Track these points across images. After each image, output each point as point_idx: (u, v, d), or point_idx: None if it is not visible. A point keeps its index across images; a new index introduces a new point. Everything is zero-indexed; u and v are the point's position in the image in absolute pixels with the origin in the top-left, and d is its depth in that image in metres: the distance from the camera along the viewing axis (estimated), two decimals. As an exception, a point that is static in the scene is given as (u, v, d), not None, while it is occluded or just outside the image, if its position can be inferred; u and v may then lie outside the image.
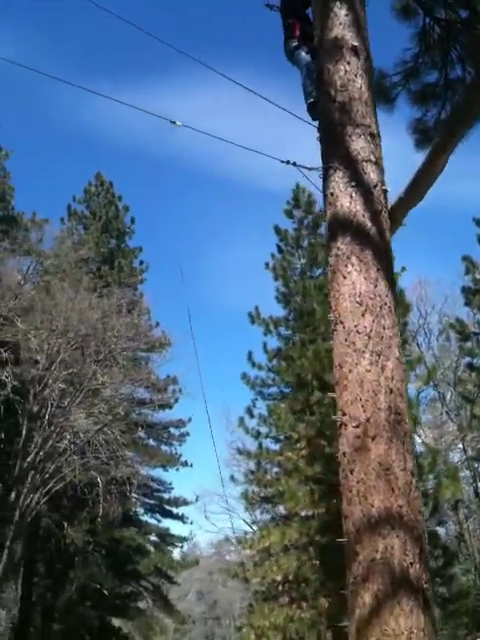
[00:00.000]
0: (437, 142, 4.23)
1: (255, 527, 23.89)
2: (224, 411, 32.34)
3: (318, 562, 13.23)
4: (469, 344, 19.51)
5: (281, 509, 19.29)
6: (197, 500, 29.16)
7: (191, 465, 27.27)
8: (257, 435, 18.71)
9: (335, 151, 4.64)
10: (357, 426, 3.97)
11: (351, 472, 3.94)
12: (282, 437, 18.21)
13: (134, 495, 26.52)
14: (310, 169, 4.78)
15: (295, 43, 5.54)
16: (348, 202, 4.44)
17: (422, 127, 7.07)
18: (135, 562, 24.83)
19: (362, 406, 3.99)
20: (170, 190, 73.96)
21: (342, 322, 4.23)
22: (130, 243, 29.21)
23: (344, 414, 4.09)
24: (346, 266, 4.31)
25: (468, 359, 19.65)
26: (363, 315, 4.16)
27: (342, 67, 4.79)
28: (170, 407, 27.13)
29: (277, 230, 19.68)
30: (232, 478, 19.63)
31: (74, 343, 19.08)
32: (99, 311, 20.20)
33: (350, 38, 4.88)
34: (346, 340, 4.18)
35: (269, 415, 17.60)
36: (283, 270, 18.77)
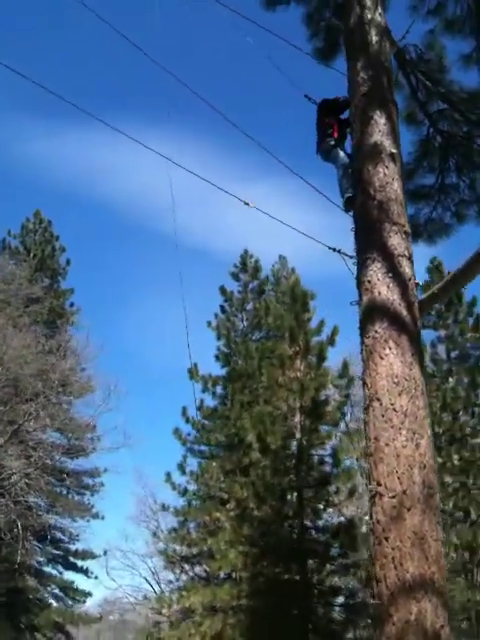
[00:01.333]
0: (477, 253, 4.82)
1: (168, 587, 23.43)
2: (136, 466, 31.88)
3: (247, 625, 13.23)
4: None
5: (199, 570, 19.21)
6: (105, 554, 28.30)
7: (102, 517, 26.59)
8: (184, 492, 18.67)
9: (373, 244, 5.17)
10: (393, 497, 4.36)
11: (386, 539, 4.30)
12: (209, 496, 18.27)
13: (37, 544, 25.57)
14: (351, 257, 5.27)
15: (333, 142, 6.12)
16: (386, 291, 4.95)
17: (412, 223, 7.81)
18: (34, 614, 23.73)
19: (398, 479, 4.39)
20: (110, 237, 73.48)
21: (379, 399, 4.67)
22: (63, 284, 28.94)
23: (379, 485, 4.47)
24: (384, 348, 4.78)
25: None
26: (400, 395, 4.62)
27: (381, 170, 5.39)
28: (86, 455, 26.53)
29: (223, 291, 20.22)
30: (154, 534, 19.36)
31: (5, 380, 18.63)
32: (32, 350, 19.87)
33: (388, 145, 5.51)
34: (383, 416, 4.60)
35: (201, 473, 17.65)
36: (226, 330, 19.22)
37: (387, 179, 5.36)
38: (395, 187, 5.36)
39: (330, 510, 15.43)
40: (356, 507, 18.70)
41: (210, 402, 19.62)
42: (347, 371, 15.83)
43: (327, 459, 15.03)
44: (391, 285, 4.97)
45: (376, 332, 4.87)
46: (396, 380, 4.67)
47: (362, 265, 5.18)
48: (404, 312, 4.91)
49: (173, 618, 17.17)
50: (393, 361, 4.73)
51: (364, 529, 14.08)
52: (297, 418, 15.35)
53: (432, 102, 7.32)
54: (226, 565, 14.95)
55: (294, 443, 15.19)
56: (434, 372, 20.64)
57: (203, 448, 19.43)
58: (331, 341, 15.95)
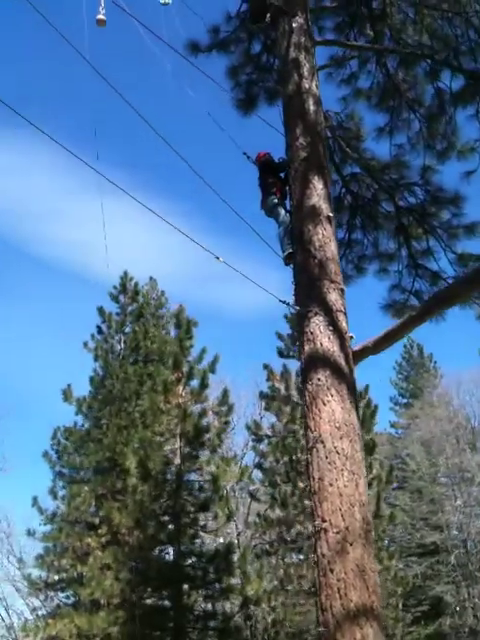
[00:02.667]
0: (413, 316, 5.49)
1: (26, 616, 22.42)
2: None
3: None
4: (261, 446, 21.45)
5: (62, 596, 18.68)
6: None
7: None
8: (52, 517, 18.15)
9: (314, 299, 5.69)
10: (338, 532, 4.83)
11: (331, 571, 4.76)
12: (78, 521, 17.89)
13: None
14: (296, 309, 5.74)
15: (276, 201, 6.60)
16: (327, 342, 5.48)
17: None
18: None
19: (342, 516, 4.88)
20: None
21: (323, 442, 5.15)
22: None
23: (324, 521, 4.93)
24: (326, 396, 5.28)
25: (259, 459, 21.42)
26: (341, 438, 5.14)
27: (320, 231, 5.96)
28: None
29: (100, 311, 20.05)
30: (20, 560, 18.57)
31: None
32: None
33: (325, 209, 6.10)
34: (327, 458, 5.09)
35: (72, 497, 17.27)
36: (104, 352, 19.07)
37: (325, 239, 5.93)
38: (332, 247, 5.95)
39: (207, 535, 15.75)
40: (233, 531, 19.19)
41: (83, 425, 19.29)
42: (227, 399, 16.34)
43: (205, 485, 15.38)
44: (331, 337, 5.50)
45: (319, 380, 5.36)
46: (337, 425, 5.18)
47: (304, 317, 5.67)
48: (343, 363, 5.46)
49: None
50: (335, 408, 5.24)
51: (238, 554, 14.57)
52: (177, 444, 15.59)
53: (346, 165, 8.07)
54: (100, 591, 14.72)
55: (173, 469, 15.41)
56: (298, 400, 21.81)
57: (73, 472, 19.00)
58: (212, 368, 16.42)
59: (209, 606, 14.45)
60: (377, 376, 46.94)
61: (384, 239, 8.02)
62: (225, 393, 16.34)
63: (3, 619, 28.62)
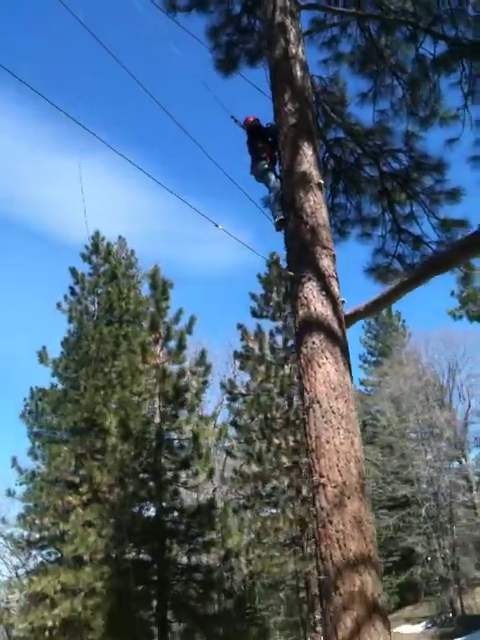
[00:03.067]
0: (406, 281, 5.69)
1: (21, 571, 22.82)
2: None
3: (110, 606, 13.56)
4: (236, 404, 21.84)
5: (45, 554, 19.03)
6: None
7: None
8: (32, 477, 18.35)
9: (307, 265, 5.85)
10: (335, 487, 5.11)
11: (330, 523, 5.05)
12: (57, 480, 18.09)
13: None
14: (290, 274, 5.90)
15: (266, 166, 6.68)
16: (320, 307, 5.67)
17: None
18: None
19: (339, 471, 5.15)
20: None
21: (319, 402, 5.38)
22: None
23: (322, 476, 5.19)
24: (321, 358, 5.50)
25: (234, 417, 21.82)
26: (336, 399, 5.38)
27: (311, 197, 6.09)
28: None
29: (73, 272, 19.92)
30: (2, 520, 18.80)
31: None
32: None
33: (316, 175, 6.22)
34: (323, 417, 5.33)
35: (52, 457, 17.44)
36: (79, 313, 19.03)
37: (316, 206, 6.07)
38: (323, 214, 6.09)
39: (186, 491, 16.13)
40: (209, 487, 19.63)
41: (58, 386, 19.38)
42: (204, 359, 16.56)
43: (185, 443, 15.71)
44: (325, 302, 5.70)
45: (313, 343, 5.57)
46: (333, 386, 5.42)
47: (298, 283, 5.84)
48: (336, 326, 5.67)
49: (21, 603, 16.91)
50: (329, 369, 5.47)
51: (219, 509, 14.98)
52: (156, 403, 15.82)
53: (329, 129, 8.15)
54: (83, 547, 15.05)
55: (152, 428, 15.66)
56: (272, 359, 22.18)
57: (51, 433, 19.16)
58: (189, 329, 16.57)
59: (193, 560, 14.87)
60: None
61: (367, 203, 8.18)
62: (203, 354, 16.58)
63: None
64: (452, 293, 28.51)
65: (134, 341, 17.15)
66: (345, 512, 5.03)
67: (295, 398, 21.54)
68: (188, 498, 17.21)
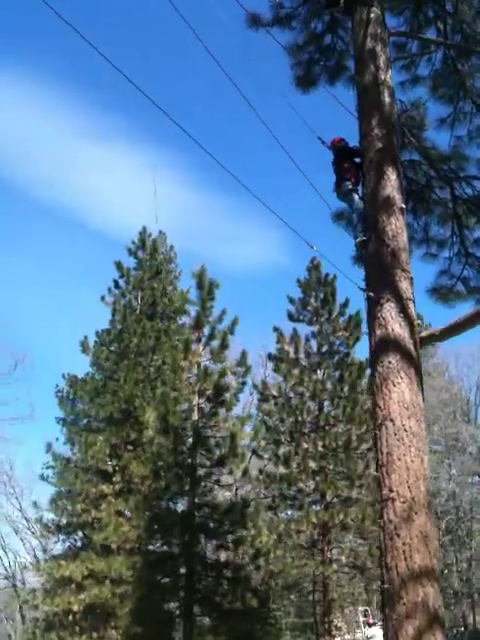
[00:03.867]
0: None
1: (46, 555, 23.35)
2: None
3: (138, 595, 13.92)
4: (266, 405, 22.14)
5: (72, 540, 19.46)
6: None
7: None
8: (66, 463, 18.81)
9: (387, 286, 6.12)
10: (404, 502, 5.37)
11: (397, 536, 5.31)
12: (90, 468, 18.51)
13: None
14: (370, 295, 6.16)
15: (350, 186, 6.93)
16: (398, 328, 5.93)
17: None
18: None
19: (408, 487, 5.42)
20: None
21: (392, 420, 5.65)
22: None
23: (391, 491, 5.46)
24: (396, 378, 5.76)
25: (263, 418, 22.10)
26: (409, 418, 5.64)
27: (393, 221, 6.34)
28: None
29: (118, 266, 20.34)
30: (35, 504, 19.30)
31: None
32: None
33: (399, 200, 6.48)
34: (396, 435, 5.60)
35: (88, 446, 17.86)
36: (122, 307, 19.45)
37: (398, 230, 6.33)
38: (404, 238, 6.35)
39: (221, 489, 16.44)
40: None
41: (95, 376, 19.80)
42: (245, 360, 16.84)
43: (221, 441, 16.00)
44: (402, 324, 5.96)
45: (390, 363, 5.83)
46: (406, 405, 5.68)
47: (376, 303, 6.10)
48: (411, 348, 5.93)
49: (47, 586, 17.37)
50: (404, 389, 5.73)
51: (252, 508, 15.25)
52: (196, 400, 16.14)
53: (405, 151, 8.37)
54: (115, 536, 15.47)
55: (190, 424, 15.99)
56: (306, 364, 22.42)
57: (86, 421, 19.60)
58: (231, 330, 16.86)
59: (222, 556, 15.18)
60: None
61: (435, 225, 8.38)
62: (243, 355, 16.81)
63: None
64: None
65: (175, 338, 17.52)
66: (412, 526, 5.29)
67: (326, 403, 21.80)
68: (219, 495, 17.47)
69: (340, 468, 20.73)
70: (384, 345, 5.96)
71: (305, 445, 21.14)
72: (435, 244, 8.40)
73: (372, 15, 7.26)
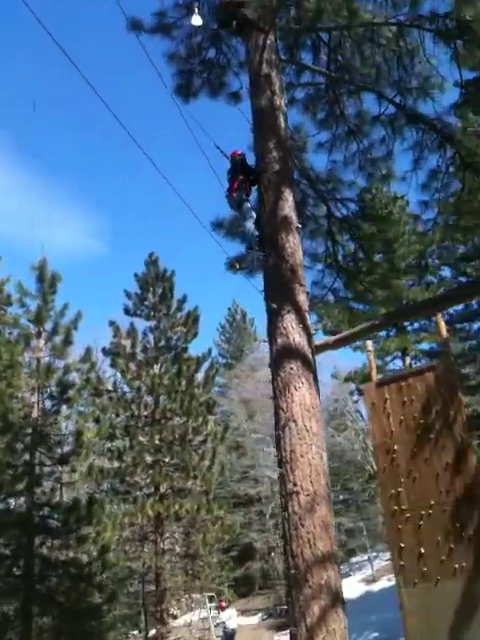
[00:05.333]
0: (373, 325, 6.67)
1: None
2: None
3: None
4: (99, 400, 22.02)
5: None
6: None
7: None
8: None
9: (288, 299, 6.68)
10: (308, 495, 5.98)
11: (302, 525, 5.90)
12: None
13: None
14: (273, 306, 6.68)
15: (244, 197, 7.33)
16: (298, 337, 6.53)
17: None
18: None
19: (311, 481, 6.03)
20: None
21: (295, 421, 6.23)
22: None
23: (295, 485, 6.04)
24: (298, 382, 6.35)
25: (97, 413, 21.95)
26: (310, 419, 6.26)
27: (291, 239, 6.94)
28: None
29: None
30: None
31: None
32: None
33: (295, 220, 7.10)
34: (298, 434, 6.18)
35: None
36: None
37: (295, 247, 6.93)
38: (300, 254, 6.97)
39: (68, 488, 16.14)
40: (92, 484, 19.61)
41: None
42: (90, 356, 16.68)
43: (63, 439, 15.75)
44: (301, 333, 6.56)
45: (291, 369, 6.40)
46: (307, 408, 6.29)
47: (278, 314, 6.64)
48: (310, 356, 6.56)
49: None
50: (305, 393, 6.34)
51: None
52: (35, 398, 15.72)
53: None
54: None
55: (30, 422, 15.53)
56: (143, 359, 22.63)
57: None
58: (75, 325, 16.61)
59: (65, 554, 14.98)
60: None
61: (307, 239, 9.16)
62: (88, 351, 16.66)
63: None
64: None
65: (7, 331, 16.79)
66: (315, 516, 5.92)
67: (162, 398, 22.17)
68: (61, 493, 17.12)
69: (175, 460, 21.31)
70: (286, 352, 6.51)
71: (141, 439, 21.41)
72: (309, 257, 9.17)
73: (268, 41, 7.76)
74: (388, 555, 28.32)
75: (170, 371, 22.17)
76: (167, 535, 21.26)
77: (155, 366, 22.52)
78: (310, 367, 6.52)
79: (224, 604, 22.49)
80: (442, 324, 10.93)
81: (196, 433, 21.31)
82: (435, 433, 10.58)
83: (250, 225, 7.27)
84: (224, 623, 20.83)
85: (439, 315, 10.92)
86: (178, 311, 23.26)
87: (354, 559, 29.24)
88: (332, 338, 6.96)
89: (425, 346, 26.37)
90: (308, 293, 6.89)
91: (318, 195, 8.69)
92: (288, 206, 7.07)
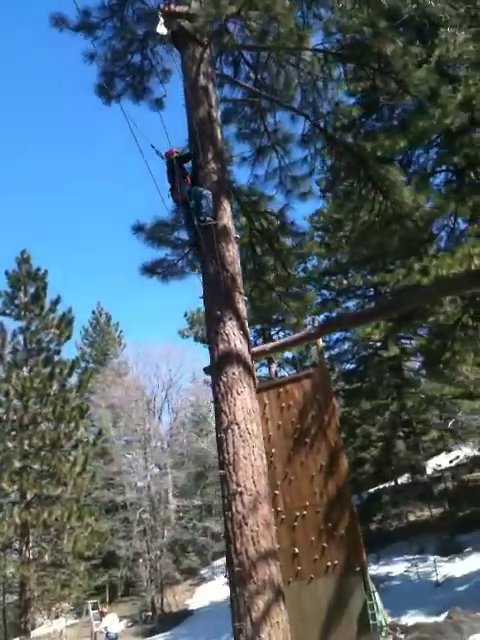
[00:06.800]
0: (305, 335, 7.03)
1: None
2: None
3: None
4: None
5: None
6: None
7: None
8: None
9: (228, 306, 6.91)
10: (251, 495, 6.25)
11: (246, 524, 6.16)
12: None
13: None
14: (217, 313, 6.87)
15: (188, 188, 7.39)
16: (239, 344, 6.80)
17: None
18: None
19: (253, 482, 6.31)
20: None
21: (237, 424, 6.48)
22: None
23: (238, 485, 6.28)
24: (240, 387, 6.61)
25: None
26: (251, 422, 6.55)
27: (231, 248, 7.21)
28: None
29: None
30: None
31: None
32: None
33: (233, 230, 7.38)
34: (241, 437, 6.44)
35: None
36: None
37: (234, 256, 7.20)
38: (238, 264, 7.25)
39: None
40: None
41: None
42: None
43: None
44: (242, 340, 6.83)
45: (234, 374, 6.65)
46: (248, 411, 6.57)
47: (220, 320, 6.85)
48: (249, 361, 6.85)
49: None
50: (246, 397, 6.61)
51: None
52: None
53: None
54: None
55: None
56: (12, 360, 21.65)
57: None
58: None
59: None
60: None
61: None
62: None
63: None
64: (185, 314, 30.66)
65: None
66: (258, 515, 6.20)
67: (31, 402, 21.31)
68: None
69: (44, 466, 20.57)
70: (228, 358, 6.74)
71: (9, 444, 20.44)
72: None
73: (206, 55, 7.97)
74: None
75: (41, 374, 21.37)
76: (32, 544, 20.45)
77: (24, 368, 21.62)
78: (250, 372, 6.80)
79: (105, 610, 22.10)
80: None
81: (68, 438, 20.72)
82: (310, 437, 11.20)
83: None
84: (106, 628, 20.51)
85: (300, 321, 11.65)
86: (51, 312, 22.51)
87: (216, 562, 29.76)
88: (268, 345, 7.29)
89: (288, 354, 27.74)
90: (246, 301, 7.16)
91: (241, 207, 9.00)
92: (227, 216, 7.32)
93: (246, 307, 7.15)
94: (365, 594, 9.27)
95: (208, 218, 7.12)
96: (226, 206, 7.36)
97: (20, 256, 23.01)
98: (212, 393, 6.87)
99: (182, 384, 36.07)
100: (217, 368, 6.80)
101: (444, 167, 13.75)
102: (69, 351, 41.29)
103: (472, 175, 12.70)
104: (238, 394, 6.58)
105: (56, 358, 21.93)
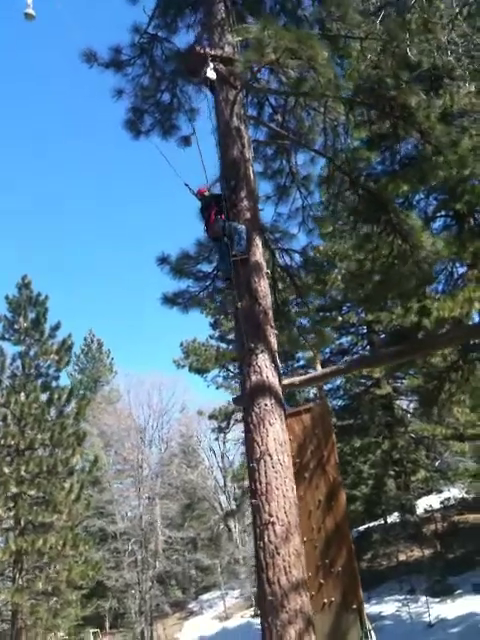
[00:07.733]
0: (337, 369, 7.26)
1: None
2: None
3: None
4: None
5: None
6: None
7: None
8: None
9: (261, 339, 7.13)
10: (283, 525, 6.40)
11: (278, 554, 6.30)
12: None
13: None
14: (251, 346, 7.07)
15: (222, 222, 7.63)
16: (271, 376, 7.00)
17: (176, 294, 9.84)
18: None
19: (285, 512, 6.47)
20: None
21: (270, 455, 6.65)
22: None
23: (271, 516, 6.43)
24: (272, 418, 6.80)
25: None
26: (282, 453, 6.72)
27: (263, 283, 7.45)
28: None
29: None
30: None
31: None
32: None
33: (265, 266, 7.63)
34: (274, 468, 6.61)
35: None
36: None
37: (266, 291, 7.44)
38: (271, 298, 7.51)
39: None
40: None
41: None
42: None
43: None
44: (273, 373, 7.04)
45: (266, 405, 6.84)
46: (280, 443, 6.75)
47: (252, 353, 7.05)
48: (280, 394, 7.05)
49: None
50: (277, 428, 6.80)
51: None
52: None
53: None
54: None
55: None
56: (11, 385, 21.63)
57: None
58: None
59: None
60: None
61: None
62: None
63: None
64: (181, 344, 30.65)
65: None
66: (290, 546, 6.35)
67: (28, 427, 21.25)
68: None
69: (40, 493, 20.44)
70: (260, 389, 6.93)
71: (5, 469, 20.31)
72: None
73: (239, 96, 8.33)
74: (238, 592, 28.97)
75: (39, 400, 21.36)
76: (24, 572, 20.20)
77: (22, 394, 21.60)
78: (281, 404, 6.99)
79: (106, 639, 21.80)
80: (319, 366, 11.92)
81: (65, 465, 20.64)
82: (309, 472, 11.29)
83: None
84: None
85: (317, 356, 11.92)
86: (51, 338, 22.58)
87: (205, 596, 29.43)
88: (298, 379, 7.49)
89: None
90: (277, 335, 7.38)
91: (264, 242, 9.26)
92: (259, 252, 7.59)
93: (276, 341, 7.35)
94: (361, 632, 9.27)
95: (242, 253, 7.37)
96: (258, 242, 7.63)
97: (21, 281, 23.15)
98: (243, 423, 7.05)
99: (173, 414, 36.11)
100: (249, 399, 6.98)
101: (443, 212, 14.25)
102: (61, 377, 40.98)
103: (472, 222, 13.19)
104: (270, 425, 6.76)
105: (54, 384, 21.94)
